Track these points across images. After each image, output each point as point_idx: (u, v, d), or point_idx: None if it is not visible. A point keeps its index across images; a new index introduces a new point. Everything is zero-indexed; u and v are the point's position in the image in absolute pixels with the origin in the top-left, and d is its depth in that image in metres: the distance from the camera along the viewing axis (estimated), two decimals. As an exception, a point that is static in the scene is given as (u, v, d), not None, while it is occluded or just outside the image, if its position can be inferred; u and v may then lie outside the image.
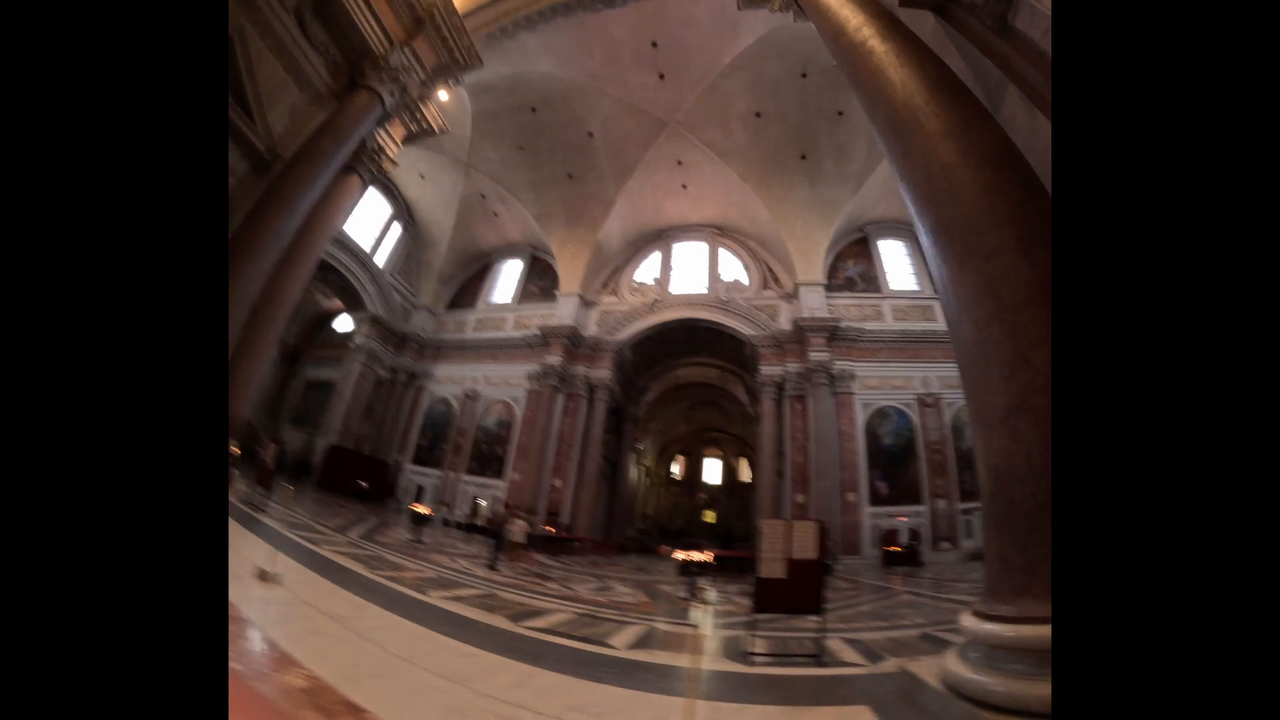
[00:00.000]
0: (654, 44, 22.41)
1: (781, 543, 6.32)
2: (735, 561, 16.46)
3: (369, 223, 31.50)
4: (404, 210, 33.23)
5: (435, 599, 6.96)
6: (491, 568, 11.77)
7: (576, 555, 20.30)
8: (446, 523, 24.67)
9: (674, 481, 43.93)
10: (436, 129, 19.62)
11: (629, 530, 33.67)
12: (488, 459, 28.39)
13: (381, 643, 4.48)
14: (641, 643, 6.11)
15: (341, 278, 30.40)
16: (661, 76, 23.68)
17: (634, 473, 37.89)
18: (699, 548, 22.58)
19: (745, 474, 39.40)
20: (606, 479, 30.70)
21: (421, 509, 15.40)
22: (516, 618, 6.58)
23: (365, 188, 18.21)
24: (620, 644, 5.90)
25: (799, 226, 26.72)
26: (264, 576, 5.64)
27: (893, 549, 19.59)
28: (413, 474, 29.23)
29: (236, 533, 7.80)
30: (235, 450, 12.70)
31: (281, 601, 5.23)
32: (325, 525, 13.05)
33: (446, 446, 29.59)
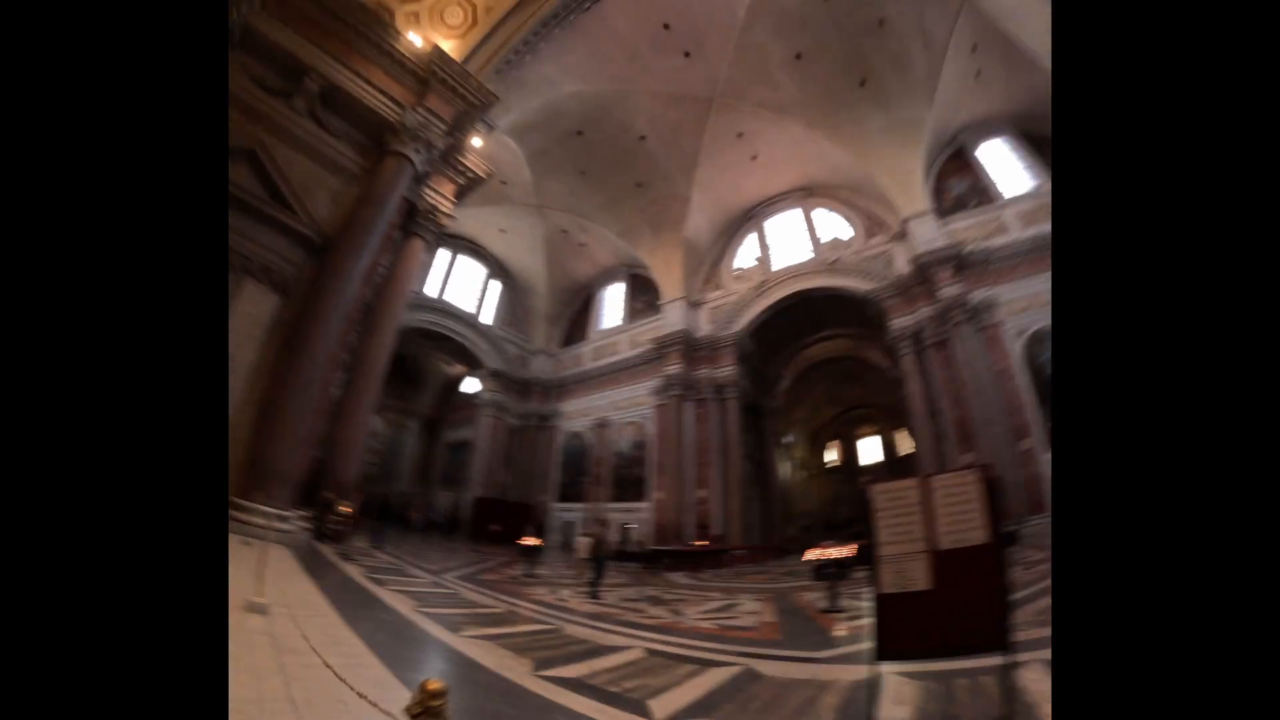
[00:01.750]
0: (665, 26, 21.18)
1: (916, 521, 3.73)
2: None
3: (468, 287, 33.10)
4: (497, 267, 34.52)
5: (464, 636, 5.91)
6: (592, 596, 10.63)
7: (728, 567, 18.85)
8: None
9: (831, 469, 41.21)
10: (484, 175, 20.07)
11: (789, 530, 31.54)
12: (628, 484, 27.87)
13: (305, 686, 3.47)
14: (709, 701, 4.25)
15: (455, 343, 31.99)
16: (687, 55, 22.31)
17: (784, 468, 35.77)
18: (861, 537, 20.33)
19: (906, 446, 36.15)
20: (754, 481, 28.93)
21: (531, 541, 14.71)
22: (558, 660, 5.26)
23: (432, 249, 18.87)
24: (667, 708, 4.02)
25: (885, 158, 23.63)
26: (252, 607, 5.03)
27: None
28: (559, 512, 29.29)
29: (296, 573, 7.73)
30: (347, 509, 13.13)
31: (256, 630, 4.51)
32: (424, 567, 12.96)
33: (587, 479, 29.57)
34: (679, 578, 15.71)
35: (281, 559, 8.65)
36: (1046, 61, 19.31)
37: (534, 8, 18.09)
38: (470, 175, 19.56)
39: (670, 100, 24.13)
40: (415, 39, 16.85)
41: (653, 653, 5.76)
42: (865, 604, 8.42)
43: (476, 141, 19.74)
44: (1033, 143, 22.66)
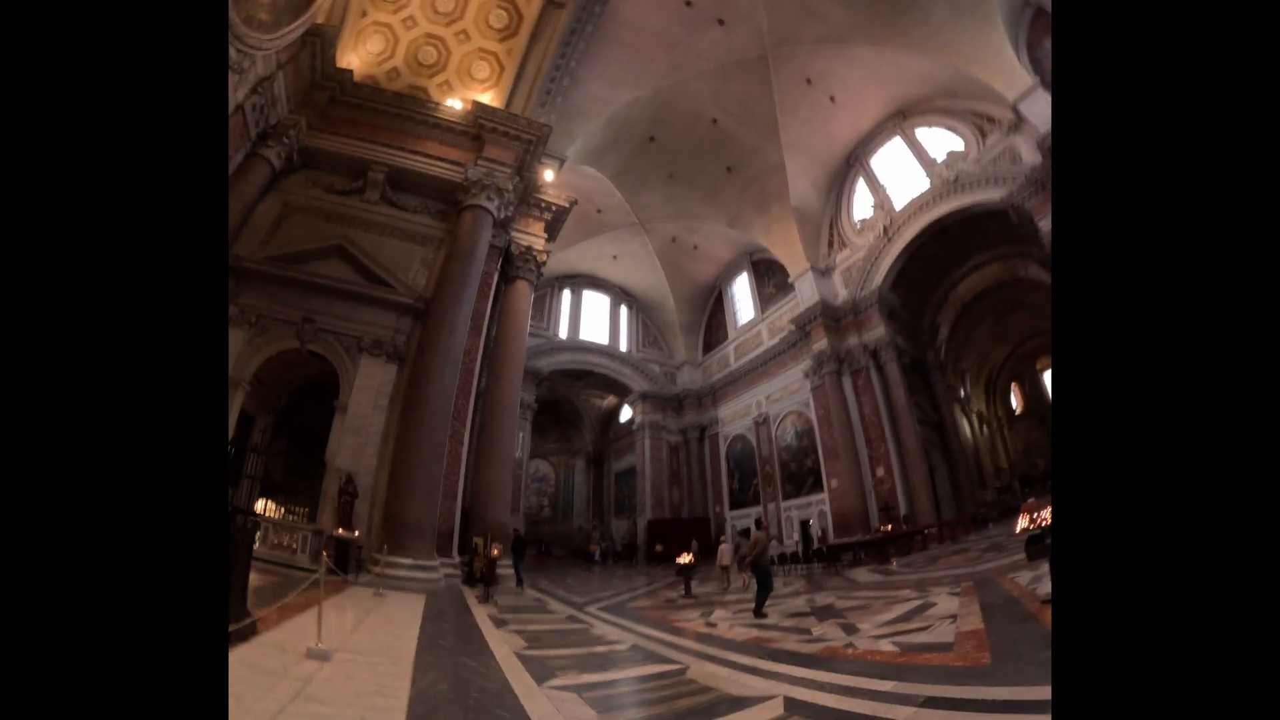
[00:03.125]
0: (687, 3, 20.10)
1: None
2: None
3: (598, 320, 33.59)
4: (620, 293, 34.66)
5: (547, 688, 4.68)
6: (756, 613, 8.92)
7: (917, 551, 16.73)
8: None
9: (1018, 417, 36.60)
10: (566, 204, 20.37)
11: (984, 495, 28.06)
12: (801, 476, 26.33)
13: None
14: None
15: (599, 376, 32.56)
16: (721, 23, 20.98)
17: (966, 427, 32.07)
18: None
19: (1095, 365, 31.26)
20: (935, 447, 26.04)
21: (685, 559, 13.79)
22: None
23: (533, 289, 19.34)
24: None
25: (966, 46, 19.99)
26: (312, 654, 4.71)
27: None
28: (735, 519, 28.20)
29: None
30: (496, 552, 13.08)
31: (297, 676, 4.15)
32: (571, 600, 12.45)
33: (756, 480, 28.36)
34: (862, 574, 13.97)
35: (405, 606, 8.57)
36: None
37: (549, 33, 18.09)
38: (554, 208, 19.90)
39: (726, 73, 22.84)
40: (454, 103, 17.67)
41: (795, 706, 3.94)
42: None
43: (549, 175, 19.98)
44: None
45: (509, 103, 18.15)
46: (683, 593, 13.05)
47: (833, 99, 24.18)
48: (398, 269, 15.39)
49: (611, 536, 35.04)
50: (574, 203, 21.41)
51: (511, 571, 14.04)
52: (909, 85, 23.11)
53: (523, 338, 18.44)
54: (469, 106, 17.36)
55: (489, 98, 18.02)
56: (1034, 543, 6.84)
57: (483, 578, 12.26)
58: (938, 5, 19.84)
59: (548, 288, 30.58)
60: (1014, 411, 37.12)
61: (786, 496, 26.57)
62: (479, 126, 17.20)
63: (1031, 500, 10.97)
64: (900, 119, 24.66)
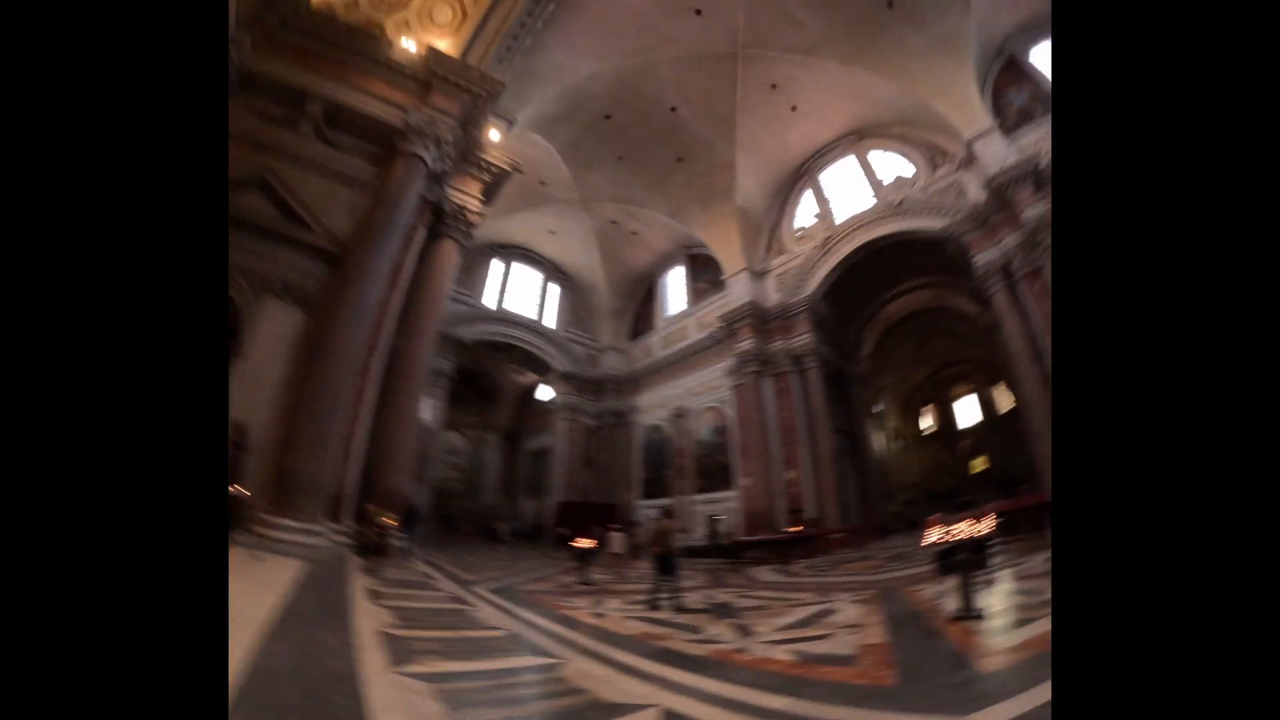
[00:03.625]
0: None
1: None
2: (1027, 514, 12.18)
3: (527, 294, 32.84)
4: (552, 269, 33.97)
5: (399, 673, 4.11)
6: (652, 605, 8.69)
7: (820, 555, 17.05)
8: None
9: (928, 436, 38.30)
10: (508, 168, 19.46)
11: (890, 506, 29.19)
12: (713, 472, 26.59)
13: None
14: None
15: (522, 351, 31.79)
16: (698, 12, 20.70)
17: (878, 440, 33.30)
18: (973, 506, 18.03)
19: (1005, 403, 33.16)
20: (847, 455, 26.84)
21: (584, 543, 13.54)
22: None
23: (464, 251, 18.34)
24: None
25: (933, 80, 20.91)
26: None
27: None
28: (644, 509, 28.25)
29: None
30: (390, 521, 12.52)
31: None
32: (461, 578, 11.85)
33: (669, 472, 28.51)
34: (765, 573, 14.01)
35: (280, 572, 7.89)
36: None
37: (522, -13, 17.15)
38: (495, 170, 18.97)
39: (693, 64, 22.54)
40: (409, 44, 16.50)
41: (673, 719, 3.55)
42: (1021, 601, 6.33)
43: (495, 135, 19.09)
44: None
45: (465, 53, 17.17)
46: (580, 579, 12.78)
47: (794, 108, 24.45)
48: (320, 210, 14.26)
49: (520, 516, 34.52)
50: (517, 169, 20.65)
51: (406, 543, 13.34)
52: (871, 107, 23.70)
53: (443, 299, 17.55)
54: (423, 51, 16.32)
55: (446, 45, 16.99)
56: (945, 558, 6.50)
57: (373, 548, 11.56)
58: (914, 36, 20.55)
59: (479, 254, 29.49)
60: (925, 432, 38.69)
61: (697, 491, 26.84)
62: (430, 73, 16.24)
63: (938, 515, 11.06)
64: (857, 138, 25.30)
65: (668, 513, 12.76)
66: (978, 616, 5.48)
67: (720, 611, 8.27)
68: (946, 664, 4.50)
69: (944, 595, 6.90)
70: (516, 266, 32.38)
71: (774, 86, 23.51)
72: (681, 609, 8.42)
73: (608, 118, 24.42)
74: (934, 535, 6.90)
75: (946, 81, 20.74)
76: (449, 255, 17.59)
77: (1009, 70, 21.15)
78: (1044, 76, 20.20)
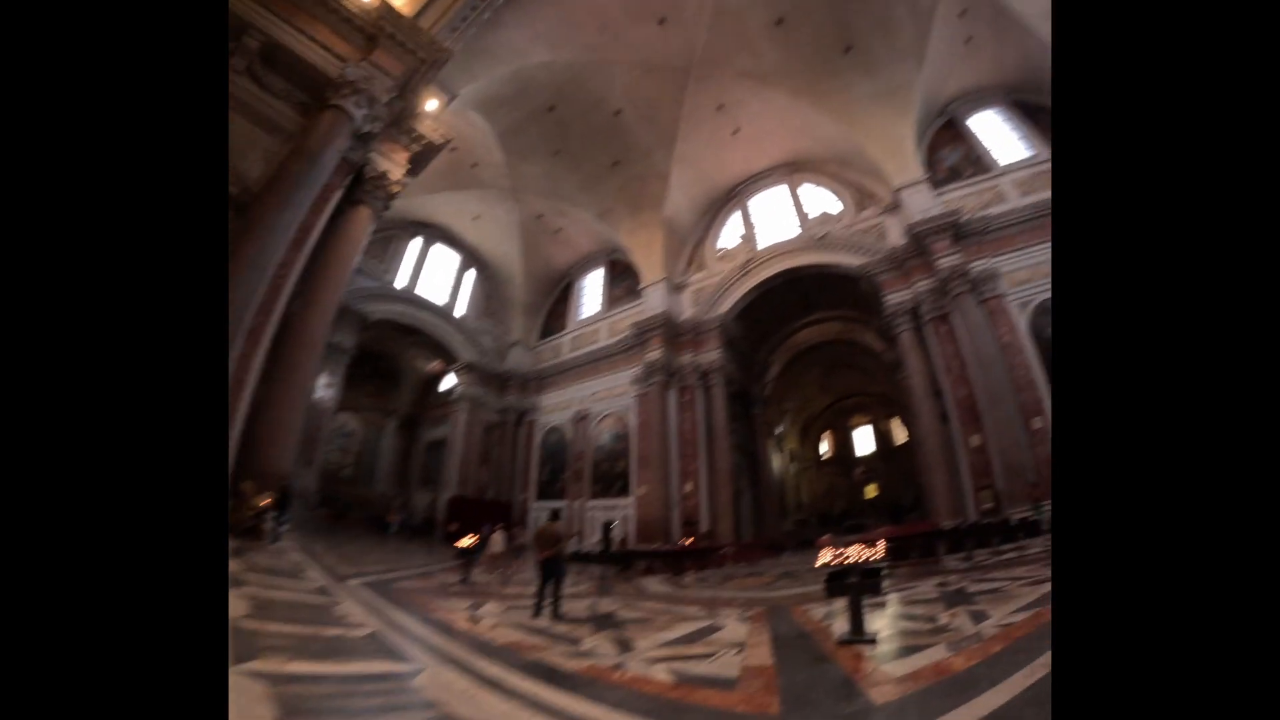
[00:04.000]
0: None
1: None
2: (915, 540, 12.70)
3: (442, 278, 31.52)
4: (471, 256, 32.83)
5: (237, 672, 3.68)
6: (535, 612, 8.25)
7: (712, 568, 17.12)
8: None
9: (825, 461, 39.87)
10: (439, 141, 18.60)
11: (784, 525, 30.05)
12: (611, 479, 26.28)
13: None
14: None
15: (429, 336, 30.51)
16: (662, 22, 20.80)
17: (777, 461, 34.25)
18: (863, 530, 18.50)
19: (900, 436, 34.97)
20: (745, 473, 27.41)
21: (466, 541, 13.03)
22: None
23: (375, 219, 17.30)
24: None
25: (874, 126, 22.38)
26: None
27: None
28: (538, 510, 27.63)
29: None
30: (264, 502, 11.61)
31: None
32: (334, 570, 10.96)
33: (567, 475, 27.98)
34: (654, 584, 13.80)
35: None
36: (1037, 26, 19.38)
37: (490, -42, 16.56)
38: (425, 141, 18.05)
39: (646, 71, 22.57)
40: None
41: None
42: (911, 628, 6.13)
43: (432, 105, 18.21)
44: (1026, 112, 22.02)
45: (420, 14, 16.27)
46: (461, 579, 12.20)
47: (737, 131, 25.08)
48: (237, 155, 13.16)
49: (412, 508, 33.08)
50: (451, 145, 19.96)
51: (282, 528, 12.25)
52: (810, 142, 24.82)
53: (348, 267, 16.38)
54: (376, 4, 15.37)
55: (402, 3, 16.08)
56: (834, 579, 6.24)
57: (243, 529, 10.59)
58: (864, 83, 21.91)
59: (398, 230, 28.18)
60: (822, 456, 40.03)
61: (594, 496, 26.43)
62: (378, 28, 15.34)
63: (828, 536, 11.13)
64: (791, 170, 26.40)
65: (554, 515, 12.38)
66: (869, 641, 5.39)
67: (602, 622, 7.92)
68: (834, 692, 4.20)
69: (833, 616, 6.83)
70: (436, 248, 31.07)
71: (720, 107, 23.99)
72: (562, 617, 8.10)
73: (551, 109, 23.98)
74: (825, 557, 6.65)
75: (886, 130, 22.19)
76: (363, 222, 16.54)
77: (947, 130, 23.05)
78: (979, 140, 22.04)
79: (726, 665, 5.13)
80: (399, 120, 16.98)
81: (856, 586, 5.83)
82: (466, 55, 18.49)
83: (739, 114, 24.24)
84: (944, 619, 6.17)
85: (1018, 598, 6.72)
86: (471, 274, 32.89)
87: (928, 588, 8.71)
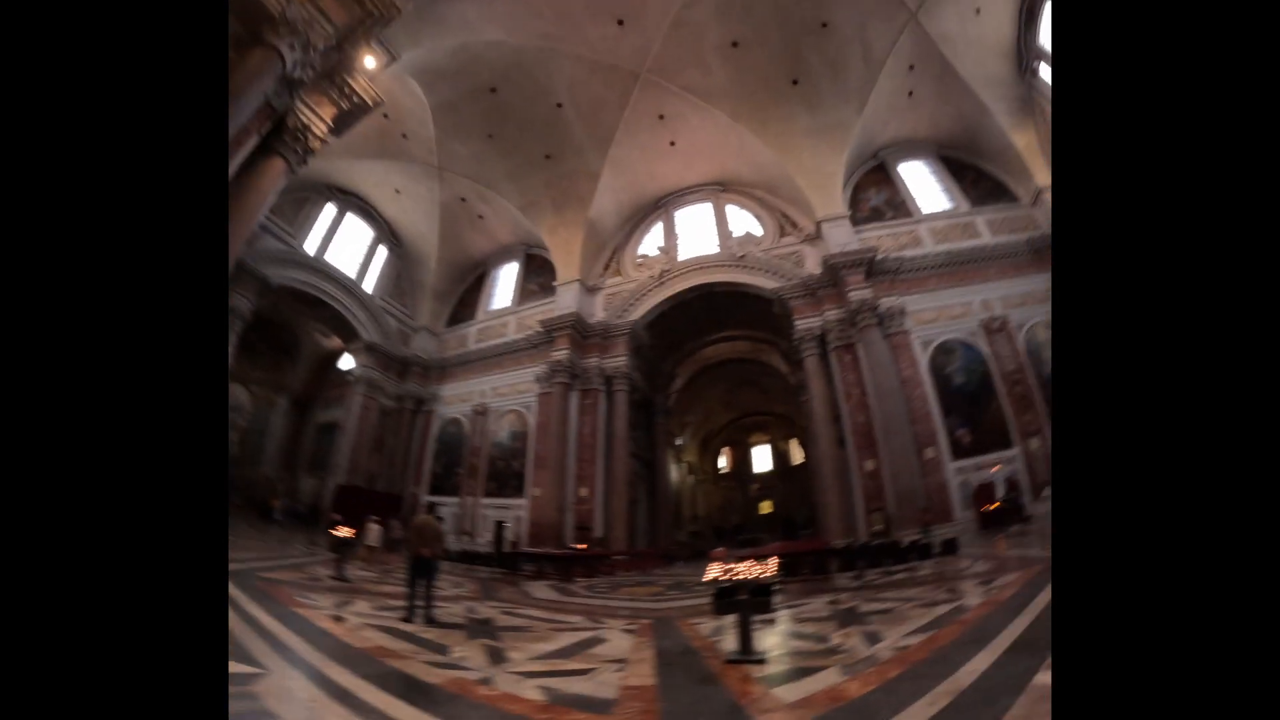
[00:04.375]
0: None
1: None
2: (808, 557, 12.87)
3: (353, 249, 29.56)
4: (386, 231, 31.00)
5: None
6: (408, 615, 7.77)
7: (602, 575, 16.96)
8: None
9: (722, 475, 40.71)
10: (369, 101, 17.40)
11: (678, 535, 30.31)
12: (506, 477, 25.65)
13: None
14: None
15: (332, 310, 28.42)
16: (620, 23, 20.66)
17: (675, 471, 34.58)
18: (757, 544, 18.80)
19: (797, 456, 36.12)
20: (643, 481, 27.50)
21: (343, 532, 12.35)
22: None
23: (289, 174, 16.05)
24: None
25: (807, 159, 23.44)
26: None
27: (989, 507, 16.30)
28: (431, 504, 26.36)
29: None
30: None
31: None
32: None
33: (461, 470, 27.05)
34: (540, 589, 13.42)
35: None
36: (979, 90, 21.31)
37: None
38: (356, 100, 16.89)
39: (595, 69, 22.34)
40: None
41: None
42: (803, 648, 5.93)
43: (371, 63, 17.10)
44: (952, 167, 23.94)
45: None
46: (335, 574, 11.49)
47: (673, 143, 25.28)
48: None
49: (298, 494, 31.01)
50: (383, 110, 19.07)
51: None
52: (743, 164, 25.47)
53: (253, 221, 15.30)
54: None
55: None
56: (723, 596, 6.00)
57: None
58: (804, 116, 22.92)
59: (313, 192, 26.35)
60: (720, 471, 40.70)
61: (488, 494, 25.71)
62: (333, -30, 14.18)
63: (722, 549, 11.11)
64: (720, 189, 27.01)
65: (431, 509, 11.72)
66: (757, 661, 5.19)
67: (478, 630, 7.54)
68: (719, 710, 4.01)
69: (722, 632, 6.51)
70: (351, 218, 29.17)
71: (661, 117, 24.11)
72: (434, 621, 7.64)
73: (493, 91, 23.25)
74: (714, 571, 6.43)
75: (818, 164, 23.37)
76: (275, 175, 15.30)
77: (876, 173, 24.72)
78: (905, 187, 23.93)
79: (605, 684, 4.75)
80: (332, 73, 15.86)
81: (746, 604, 5.61)
82: (416, 18, 17.69)
83: (678, 126, 24.47)
84: (836, 639, 6.05)
85: (911, 619, 6.62)
86: (384, 251, 31.19)
87: (819, 605, 8.76)
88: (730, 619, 5.78)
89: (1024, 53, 20.97)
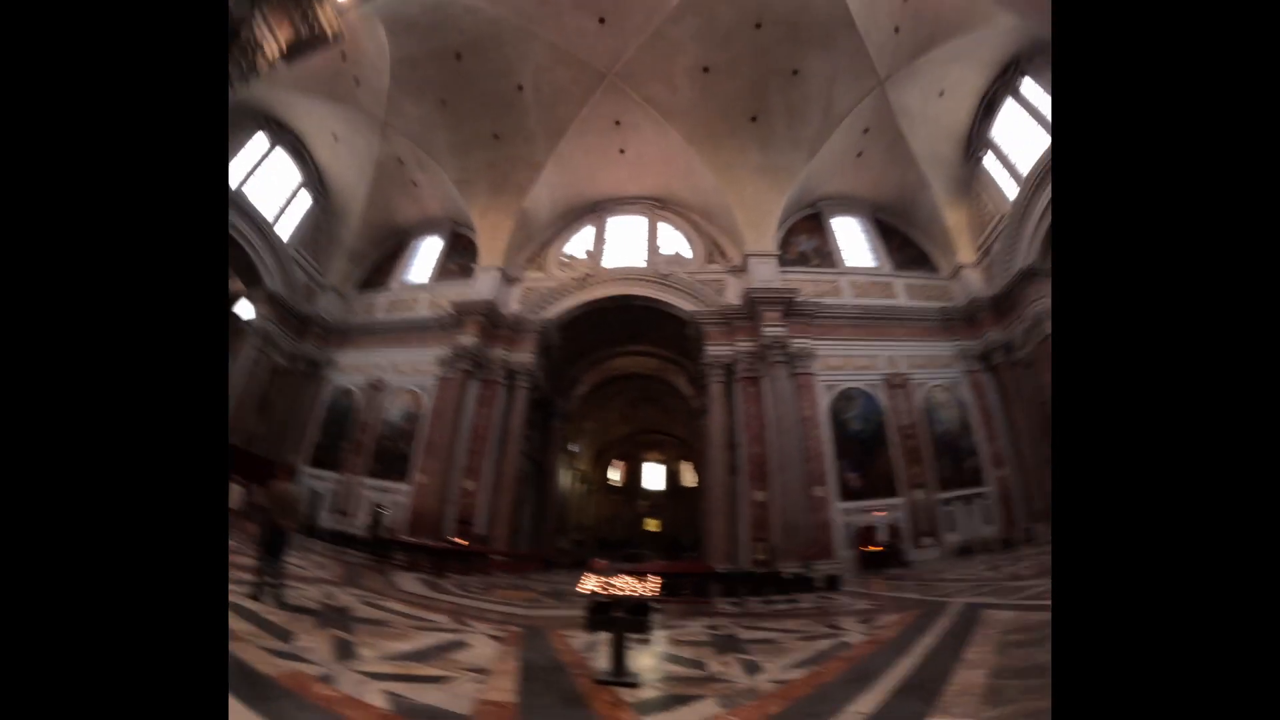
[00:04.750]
0: None
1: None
2: (690, 579, 12.62)
3: (275, 189, 27.29)
4: (315, 177, 28.89)
5: None
6: (255, 594, 6.94)
7: (478, 574, 16.20)
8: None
9: (613, 488, 40.78)
10: (330, 34, 16.33)
11: (562, 542, 29.94)
12: (392, 459, 24.30)
13: None
14: None
15: (240, 249, 25.90)
16: (602, 21, 20.64)
17: (566, 477, 34.28)
18: (640, 560, 18.71)
19: (689, 479, 36.59)
20: (532, 482, 26.98)
21: None
22: None
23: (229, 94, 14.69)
24: None
25: (748, 194, 24.33)
26: None
27: (871, 549, 17.47)
28: (309, 478, 24.88)
29: None
30: None
31: None
32: None
33: (347, 445, 25.51)
34: (409, 581, 12.68)
35: None
36: (924, 164, 23.06)
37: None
38: (318, 30, 15.78)
39: (564, 59, 22.08)
40: None
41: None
42: (680, 673, 5.60)
43: (342, -3, 16.09)
44: (883, 230, 25.68)
45: None
46: None
47: (623, 151, 25.33)
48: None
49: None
50: (341, 48, 18.47)
51: None
52: (685, 187, 26.00)
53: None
54: None
55: None
56: (597, 611, 5.54)
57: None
58: (755, 153, 23.80)
59: (246, 118, 24.16)
60: (612, 483, 40.63)
61: (371, 474, 24.30)
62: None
63: (605, 561, 10.77)
64: (658, 206, 27.32)
65: (291, 473, 10.69)
66: (630, 684, 4.91)
67: (331, 617, 6.91)
68: None
69: (595, 647, 6.08)
70: (281, 155, 27.03)
71: (617, 123, 24.14)
72: (284, 603, 6.99)
73: (458, 58, 22.47)
74: (590, 583, 5.90)
75: (758, 201, 24.38)
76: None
77: (810, 221, 26.01)
78: (835, 239, 25.49)
79: (460, 696, 4.30)
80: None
81: (621, 622, 5.31)
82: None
83: (632, 136, 24.55)
84: (714, 666, 5.88)
85: (792, 651, 6.53)
86: (307, 198, 29.05)
87: (698, 628, 8.58)
88: (604, 636, 5.45)
89: (974, 140, 22.72)
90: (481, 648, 6.23)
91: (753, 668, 5.72)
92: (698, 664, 6.00)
